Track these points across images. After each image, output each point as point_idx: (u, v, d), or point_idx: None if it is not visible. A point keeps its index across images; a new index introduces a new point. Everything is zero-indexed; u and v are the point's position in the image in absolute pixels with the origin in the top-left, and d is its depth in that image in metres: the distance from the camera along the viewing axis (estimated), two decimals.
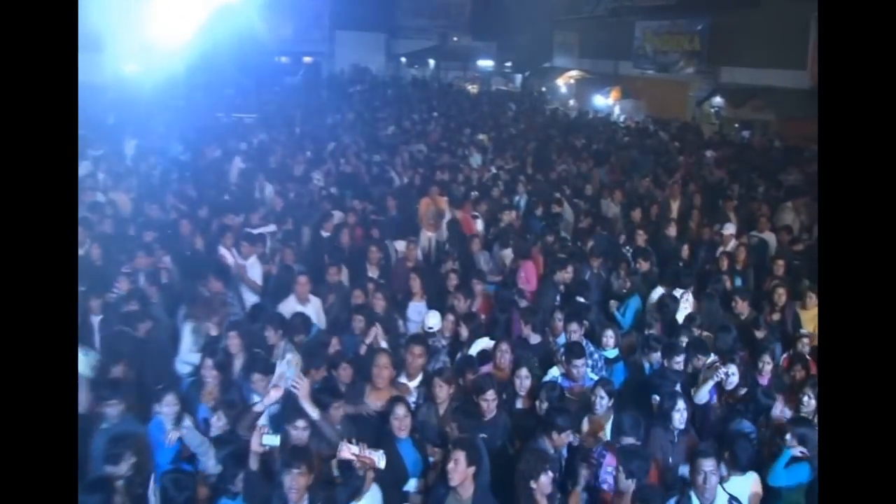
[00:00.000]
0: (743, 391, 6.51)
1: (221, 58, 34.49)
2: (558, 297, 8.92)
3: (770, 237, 11.50)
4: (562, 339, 7.39)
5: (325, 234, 10.74)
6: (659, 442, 5.77)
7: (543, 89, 38.41)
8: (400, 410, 5.42)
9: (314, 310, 8.10)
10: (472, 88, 39.42)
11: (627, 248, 10.54)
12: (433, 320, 7.40)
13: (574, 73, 35.28)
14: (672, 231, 11.49)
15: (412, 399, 6.21)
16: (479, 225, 11.91)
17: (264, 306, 8.05)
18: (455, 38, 46.73)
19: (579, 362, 6.55)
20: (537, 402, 6.05)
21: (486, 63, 43.26)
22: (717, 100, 26.51)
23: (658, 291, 8.86)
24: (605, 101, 31.49)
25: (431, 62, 44.20)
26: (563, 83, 35.81)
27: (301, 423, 5.17)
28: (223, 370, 6.29)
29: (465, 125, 22.78)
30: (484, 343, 7.17)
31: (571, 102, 33.64)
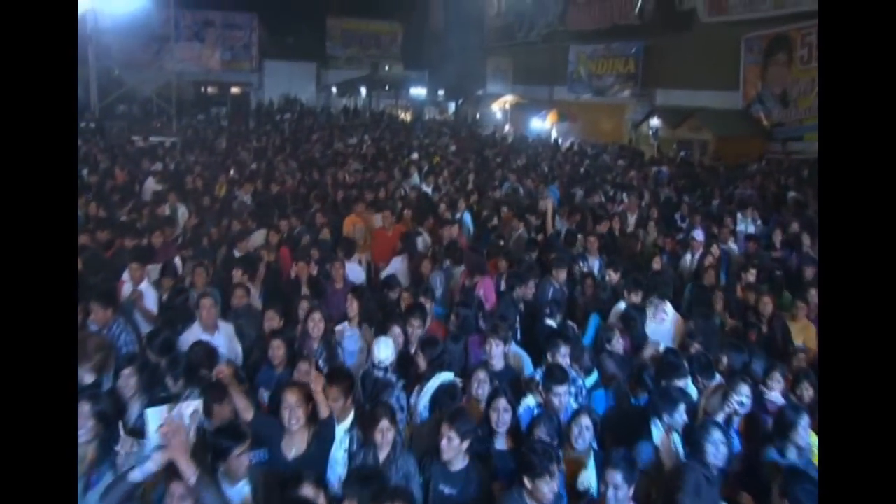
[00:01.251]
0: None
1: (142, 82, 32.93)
2: (518, 317, 7.65)
3: (732, 248, 10.65)
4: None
5: (238, 253, 9.26)
6: (693, 483, 4.39)
7: (478, 116, 37.58)
8: None
9: (225, 338, 6.60)
10: (406, 116, 38.32)
11: (584, 261, 9.36)
12: (385, 351, 5.78)
13: (509, 97, 34.54)
14: (635, 243, 10.43)
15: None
16: (420, 243, 10.61)
17: (161, 337, 6.11)
18: (387, 68, 45.78)
19: (561, 389, 5.23)
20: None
21: (418, 91, 42.33)
22: (654, 121, 26.02)
23: (621, 304, 7.66)
24: (542, 125, 30.73)
25: (363, 91, 43.07)
26: (497, 108, 35.02)
27: (177, 489, 3.74)
28: (106, 422, 4.68)
29: (399, 147, 21.51)
30: (444, 377, 5.76)
31: (507, 128, 32.79)
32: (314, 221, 11.06)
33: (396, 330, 6.35)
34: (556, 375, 5.32)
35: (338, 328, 6.99)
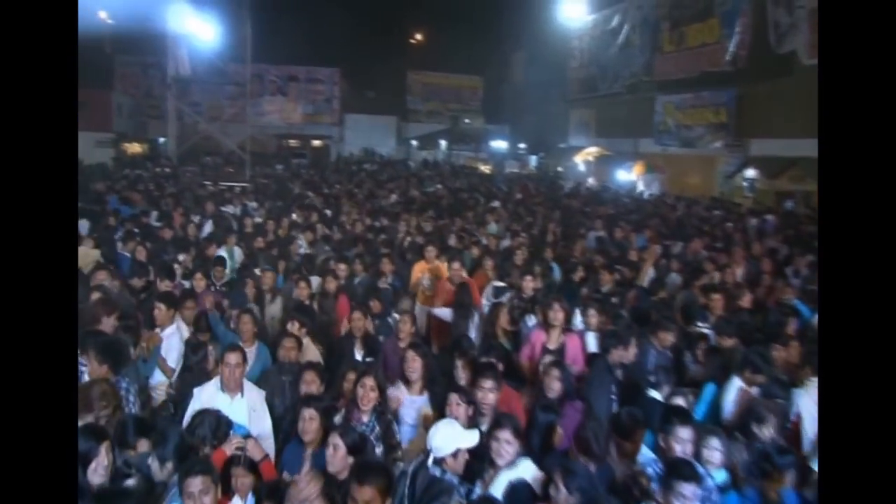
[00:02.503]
0: None
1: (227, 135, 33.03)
2: (614, 386, 6.13)
3: None
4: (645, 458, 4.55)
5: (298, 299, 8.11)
6: None
7: (560, 169, 36.22)
8: None
9: (249, 404, 5.29)
10: (486, 170, 37.29)
11: (699, 321, 7.75)
12: (446, 436, 4.16)
13: (592, 150, 33.10)
14: (746, 301, 8.75)
15: None
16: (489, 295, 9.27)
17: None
18: (467, 121, 45.12)
19: (689, 490, 3.71)
20: None
21: (499, 145, 41.39)
22: (750, 172, 24.09)
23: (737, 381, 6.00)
24: (628, 177, 29.11)
25: (443, 145, 42.44)
26: (580, 161, 33.60)
27: None
28: None
29: (478, 195, 20.29)
30: (528, 470, 4.26)
31: (590, 180, 31.28)
32: (379, 269, 9.85)
33: (456, 402, 4.88)
34: (682, 471, 3.80)
35: (392, 393, 5.61)
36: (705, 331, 7.37)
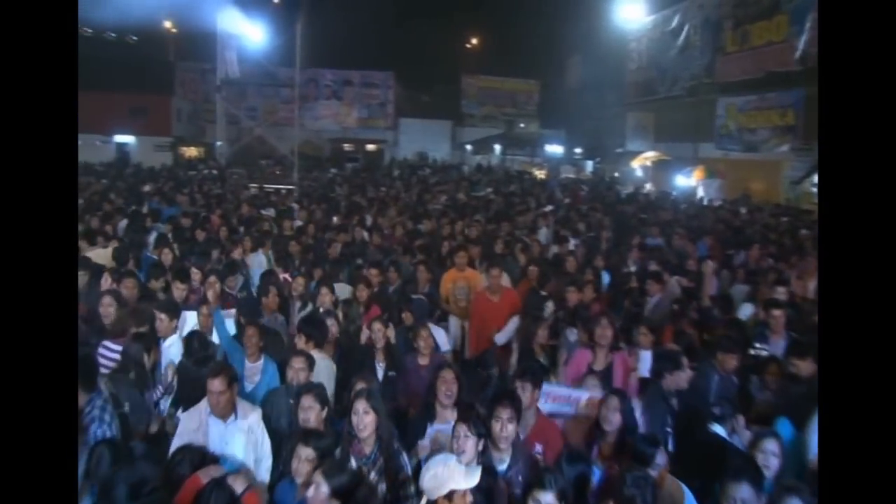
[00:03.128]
0: None
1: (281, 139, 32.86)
2: (669, 418, 5.26)
3: None
4: None
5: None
6: None
7: (616, 174, 35.01)
8: None
9: (243, 431, 4.59)
10: (540, 174, 36.32)
11: (764, 342, 6.78)
12: (457, 478, 3.48)
13: (650, 154, 31.85)
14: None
15: None
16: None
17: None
18: (522, 125, 44.19)
19: None
20: None
21: (554, 150, 40.35)
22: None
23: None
24: (687, 183, 27.81)
25: (497, 149, 41.60)
26: (637, 166, 32.37)
27: None
28: None
29: (529, 200, 19.39)
30: None
31: (648, 186, 30.03)
32: (416, 276, 9.12)
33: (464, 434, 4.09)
34: None
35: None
36: (766, 352, 6.43)
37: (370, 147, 43.53)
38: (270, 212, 14.45)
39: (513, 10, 40.75)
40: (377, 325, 6.34)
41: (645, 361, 6.24)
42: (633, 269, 10.28)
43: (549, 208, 16.96)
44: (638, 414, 4.96)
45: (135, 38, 53.21)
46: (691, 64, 30.48)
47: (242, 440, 4.55)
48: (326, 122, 43.29)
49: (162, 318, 6.33)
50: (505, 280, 9.36)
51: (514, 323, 7.25)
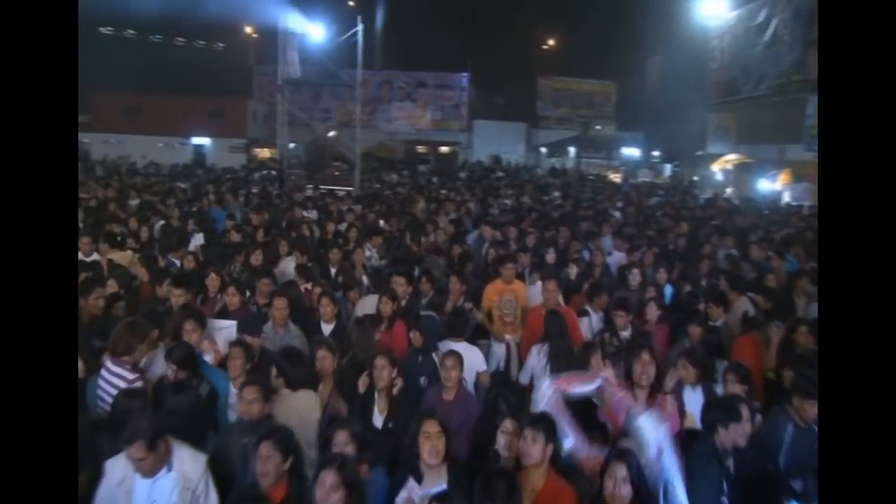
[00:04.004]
0: None
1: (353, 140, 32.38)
2: (725, 485, 4.07)
3: None
4: None
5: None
6: None
7: (696, 178, 33.09)
8: None
9: (176, 483, 3.68)
10: (616, 178, 34.69)
11: None
12: None
13: (731, 157, 29.88)
14: None
15: None
16: (589, 324, 7.32)
17: None
18: (598, 128, 42.55)
19: None
20: None
21: (631, 152, 38.61)
22: None
23: None
24: (772, 187, 25.83)
25: (572, 152, 40.13)
26: (718, 168, 30.42)
27: None
28: None
29: (598, 205, 18.08)
30: None
31: (728, 190, 28.11)
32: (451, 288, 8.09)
33: None
34: None
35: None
36: None
37: (443, 149, 42.71)
38: (313, 214, 13.65)
39: (590, 9, 39.21)
40: (381, 361, 5.31)
41: (693, 403, 5.08)
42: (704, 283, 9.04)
43: (616, 214, 15.63)
44: (680, 480, 3.82)
45: (222, 44, 54.23)
46: (779, 61, 28.38)
47: (175, 498, 3.64)
48: (400, 124, 42.71)
49: (188, 329, 5.57)
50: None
51: (534, 354, 6.18)
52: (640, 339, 5.10)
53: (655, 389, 4.78)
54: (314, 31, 23.38)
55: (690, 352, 5.45)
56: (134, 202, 14.57)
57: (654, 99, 39.06)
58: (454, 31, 39.90)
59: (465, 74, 41.99)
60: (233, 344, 5.51)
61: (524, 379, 6.43)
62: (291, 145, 37.65)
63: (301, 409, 4.91)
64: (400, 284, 7.37)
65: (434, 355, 5.95)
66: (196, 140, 36.87)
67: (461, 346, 6.11)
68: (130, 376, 4.90)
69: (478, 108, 43.45)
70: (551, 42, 46.24)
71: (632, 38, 37.54)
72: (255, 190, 18.06)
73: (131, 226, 11.08)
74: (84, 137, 35.10)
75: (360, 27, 21.75)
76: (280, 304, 6.59)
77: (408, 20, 41.10)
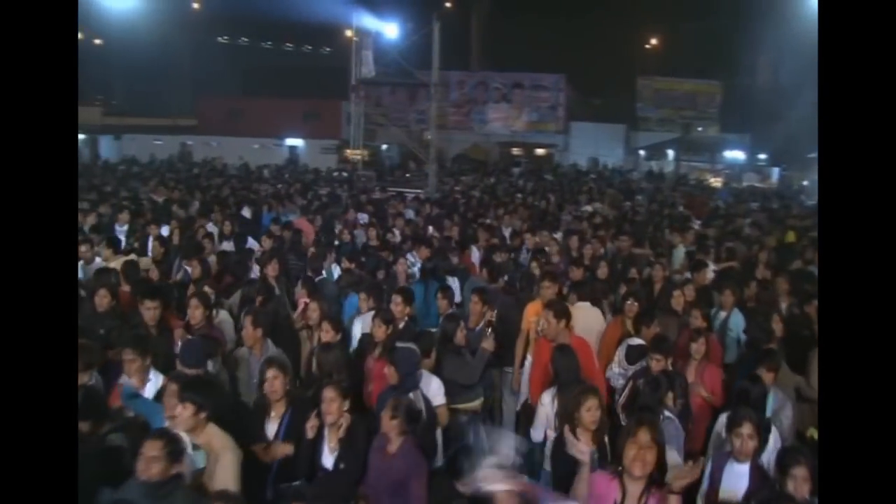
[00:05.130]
0: None
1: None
2: None
3: None
4: None
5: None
6: None
7: (805, 183, 30.37)
8: None
9: None
10: (715, 182, 32.35)
11: None
12: None
13: None
14: None
15: None
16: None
17: None
18: (700, 129, 40.00)
19: None
20: None
21: (735, 155, 36.00)
22: None
23: None
24: None
25: (671, 155, 37.88)
26: None
27: None
28: None
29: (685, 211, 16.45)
30: None
31: None
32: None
33: None
34: None
35: None
36: None
37: (539, 151, 41.23)
38: (363, 217, 12.78)
39: (695, 6, 36.83)
40: (329, 394, 4.33)
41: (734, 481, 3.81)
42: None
43: (696, 224, 13.98)
44: None
45: (328, 49, 54.81)
46: None
47: None
48: (495, 126, 41.60)
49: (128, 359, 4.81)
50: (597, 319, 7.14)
51: (546, 402, 5.00)
52: (643, 415, 3.79)
53: (655, 481, 3.49)
54: (388, 30, 22.71)
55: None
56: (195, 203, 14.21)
57: (763, 99, 36.30)
58: (551, 30, 38.51)
59: (561, 75, 40.39)
60: (169, 378, 4.63)
61: (537, 436, 5.24)
62: (384, 147, 37.36)
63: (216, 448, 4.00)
64: (397, 304, 6.32)
65: (412, 394, 4.89)
66: (291, 141, 37.11)
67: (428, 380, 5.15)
68: None
69: (575, 109, 41.79)
70: (653, 41, 43.91)
71: (740, 35, 35.04)
72: (323, 192, 17.44)
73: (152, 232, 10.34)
74: (188, 140, 36.16)
75: (436, 25, 20.83)
76: (249, 322, 5.70)
77: (506, 19, 40.10)
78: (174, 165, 27.79)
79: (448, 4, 40.51)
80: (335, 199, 15.55)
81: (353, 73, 22.22)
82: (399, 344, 5.19)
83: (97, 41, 44.03)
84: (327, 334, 5.85)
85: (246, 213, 13.65)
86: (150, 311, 5.90)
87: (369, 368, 5.87)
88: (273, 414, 4.66)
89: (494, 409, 7.02)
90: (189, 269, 8.12)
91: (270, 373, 4.61)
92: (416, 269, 8.97)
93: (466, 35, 42.23)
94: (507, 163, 38.34)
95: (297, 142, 37.19)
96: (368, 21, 21.76)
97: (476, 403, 5.85)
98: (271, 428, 4.66)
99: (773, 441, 4.50)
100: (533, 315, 6.83)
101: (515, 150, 41.27)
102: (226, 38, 56.29)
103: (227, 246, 9.63)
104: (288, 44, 58.30)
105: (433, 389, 5.22)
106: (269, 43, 58.37)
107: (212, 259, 8.57)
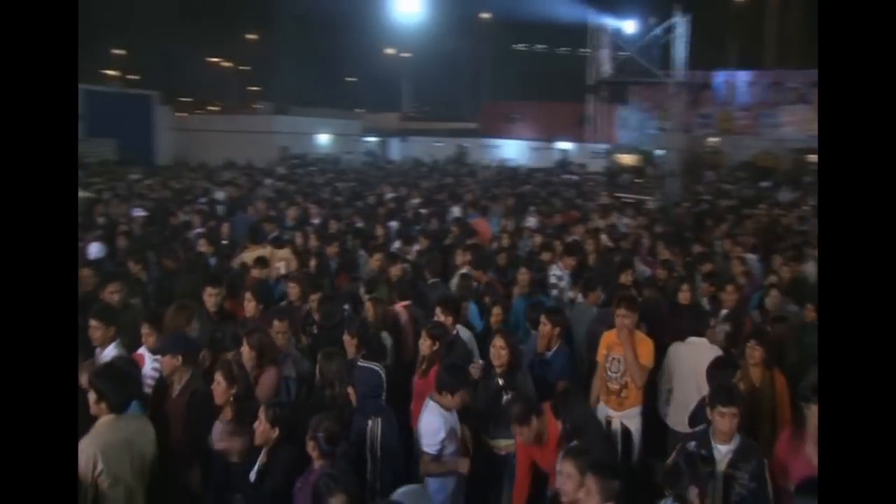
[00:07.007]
0: None
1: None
2: None
3: None
4: None
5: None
6: None
7: None
8: None
9: None
10: None
11: None
12: None
13: None
14: None
15: None
16: None
17: None
18: None
19: None
20: None
21: None
22: None
23: None
24: None
25: None
26: None
27: None
28: None
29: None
30: None
31: None
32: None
33: None
34: None
35: None
36: None
37: None
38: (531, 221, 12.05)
39: None
40: (262, 425, 4.00)
41: None
42: None
43: None
44: None
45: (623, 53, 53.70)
46: None
47: None
48: (789, 130, 37.12)
49: (95, 324, 5.04)
50: None
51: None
52: None
53: None
54: (627, 27, 21.31)
55: None
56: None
57: None
58: None
59: None
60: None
61: None
62: (660, 152, 35.26)
63: (130, 435, 3.91)
64: (439, 315, 5.69)
65: (371, 421, 4.34)
66: (563, 145, 36.97)
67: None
68: None
69: None
70: None
71: None
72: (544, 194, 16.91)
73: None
74: (464, 142, 37.94)
75: (677, 20, 19.05)
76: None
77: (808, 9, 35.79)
78: (445, 168, 29.28)
79: None
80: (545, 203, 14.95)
81: (589, 73, 21.24)
82: (361, 363, 4.62)
83: (405, 54, 48.01)
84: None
85: (456, 212, 13.70)
86: (211, 297, 6.03)
87: (414, 384, 5.43)
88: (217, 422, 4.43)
89: None
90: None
91: (216, 376, 4.37)
92: (563, 283, 8.20)
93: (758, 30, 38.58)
94: (801, 171, 33.92)
95: (567, 145, 36.94)
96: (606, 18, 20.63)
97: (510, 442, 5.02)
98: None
99: None
100: (604, 348, 5.76)
101: (811, 157, 36.39)
102: (522, 45, 57.69)
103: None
104: (582, 49, 58.26)
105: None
106: (566, 49, 58.90)
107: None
